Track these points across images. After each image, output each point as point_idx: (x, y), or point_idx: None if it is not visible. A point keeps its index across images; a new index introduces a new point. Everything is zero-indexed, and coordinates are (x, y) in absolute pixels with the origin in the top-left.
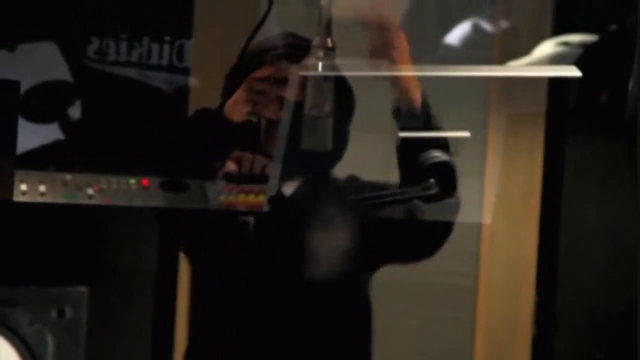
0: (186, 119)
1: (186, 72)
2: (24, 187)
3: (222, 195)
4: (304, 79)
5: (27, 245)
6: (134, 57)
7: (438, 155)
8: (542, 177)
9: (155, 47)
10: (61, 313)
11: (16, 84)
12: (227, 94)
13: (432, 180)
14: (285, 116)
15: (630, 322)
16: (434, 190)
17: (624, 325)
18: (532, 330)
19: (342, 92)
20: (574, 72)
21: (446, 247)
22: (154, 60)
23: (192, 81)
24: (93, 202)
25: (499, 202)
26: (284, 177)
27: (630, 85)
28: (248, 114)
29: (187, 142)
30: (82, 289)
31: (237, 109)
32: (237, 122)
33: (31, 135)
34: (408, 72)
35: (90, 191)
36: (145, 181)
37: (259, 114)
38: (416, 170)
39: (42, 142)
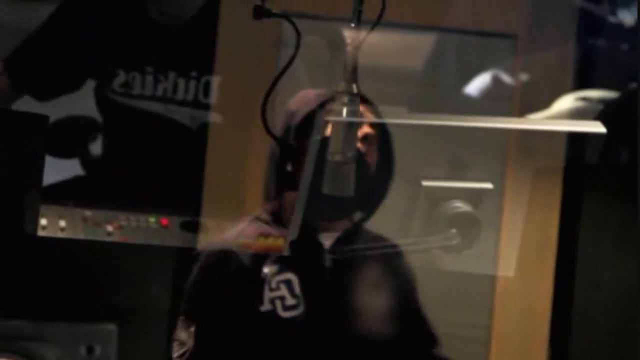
0: None
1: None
2: (44, 221)
3: (241, 237)
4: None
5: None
6: (160, 92)
7: (460, 205)
8: (558, 232)
9: (181, 83)
10: (90, 350)
11: (45, 118)
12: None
13: (453, 231)
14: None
15: None
16: (455, 241)
17: None
18: None
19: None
20: (597, 127)
21: (460, 299)
22: (180, 95)
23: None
24: (112, 239)
25: (514, 255)
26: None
27: None
28: None
29: None
30: (112, 327)
31: None
32: None
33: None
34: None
35: (109, 228)
36: (164, 220)
37: None
38: (438, 220)
39: (62, 177)
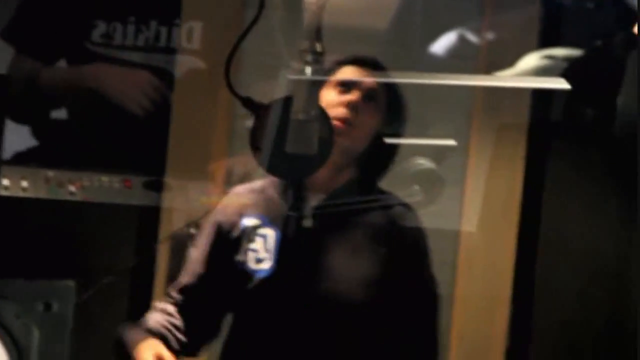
0: None
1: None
2: (6, 182)
3: (204, 196)
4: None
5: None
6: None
7: (423, 162)
8: (523, 189)
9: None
10: (48, 306)
11: (3, 78)
12: None
13: (416, 187)
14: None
15: (608, 338)
16: (418, 197)
17: (601, 342)
18: (506, 342)
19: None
20: (561, 84)
21: None
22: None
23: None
24: (75, 199)
25: (478, 212)
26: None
27: (620, 100)
28: None
29: None
30: (70, 283)
31: None
32: None
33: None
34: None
35: (72, 188)
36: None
37: None
38: (401, 176)
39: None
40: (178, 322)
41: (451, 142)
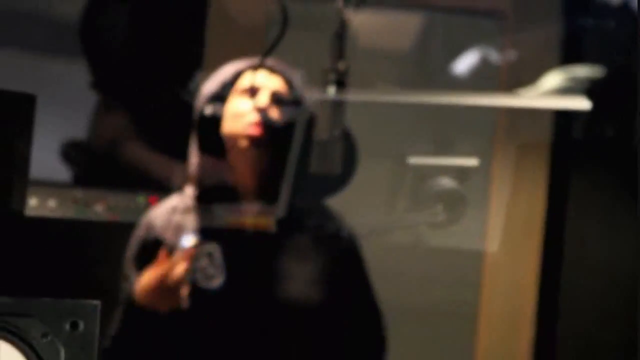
0: None
1: None
2: (33, 201)
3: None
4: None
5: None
6: None
7: (446, 182)
8: (546, 208)
9: None
10: (74, 326)
11: (32, 98)
12: None
13: (439, 207)
14: (295, 141)
15: (631, 354)
16: (441, 218)
17: (625, 357)
18: None
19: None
20: (583, 103)
21: (447, 275)
22: None
23: None
24: (101, 218)
25: (501, 231)
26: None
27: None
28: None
29: None
30: (96, 303)
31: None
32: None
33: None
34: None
35: (98, 208)
36: (152, 199)
37: None
38: (424, 196)
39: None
40: None
41: (473, 162)
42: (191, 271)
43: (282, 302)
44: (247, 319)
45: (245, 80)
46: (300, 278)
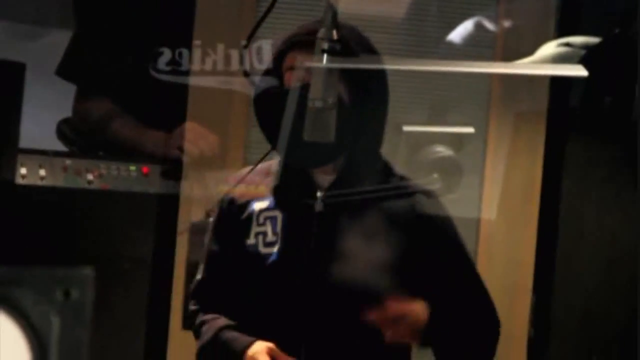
0: None
1: None
2: (23, 170)
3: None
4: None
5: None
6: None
7: (442, 150)
8: (542, 177)
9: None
10: (67, 294)
11: (21, 66)
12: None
13: (435, 175)
14: (290, 108)
15: (627, 326)
16: (437, 185)
17: (621, 330)
18: (527, 331)
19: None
20: (580, 71)
21: None
22: None
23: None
24: (93, 187)
25: (497, 199)
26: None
27: (638, 88)
28: None
29: None
30: (89, 270)
31: None
32: None
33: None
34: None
35: (90, 177)
36: (145, 168)
37: None
38: (419, 164)
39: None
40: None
41: (470, 130)
42: (253, 234)
43: (346, 281)
44: (303, 293)
45: (290, 59)
46: (371, 257)
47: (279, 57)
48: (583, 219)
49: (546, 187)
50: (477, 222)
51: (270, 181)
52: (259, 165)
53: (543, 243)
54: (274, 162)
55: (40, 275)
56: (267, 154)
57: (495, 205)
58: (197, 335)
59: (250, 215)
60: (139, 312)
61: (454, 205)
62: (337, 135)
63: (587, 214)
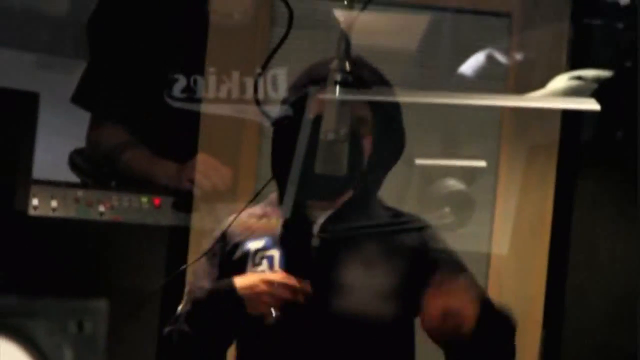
0: None
1: None
2: (35, 201)
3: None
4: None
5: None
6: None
7: (454, 184)
8: (553, 211)
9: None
10: (80, 326)
11: (35, 96)
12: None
13: (447, 209)
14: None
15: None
16: (449, 219)
17: None
18: None
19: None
20: (592, 105)
21: None
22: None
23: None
24: (104, 219)
25: (508, 234)
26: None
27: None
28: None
29: None
30: (102, 303)
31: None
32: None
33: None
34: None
35: (101, 208)
36: (157, 200)
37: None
38: (431, 198)
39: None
40: None
41: (481, 163)
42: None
43: (347, 313)
44: (305, 329)
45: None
46: (361, 291)
47: (295, 89)
48: (594, 253)
49: (557, 220)
50: (488, 256)
51: (266, 222)
52: (252, 208)
53: (554, 277)
54: (258, 206)
55: (53, 307)
56: (267, 183)
57: (506, 240)
58: (174, 335)
59: (245, 255)
60: (150, 344)
61: (465, 239)
62: (348, 168)
63: (598, 248)
